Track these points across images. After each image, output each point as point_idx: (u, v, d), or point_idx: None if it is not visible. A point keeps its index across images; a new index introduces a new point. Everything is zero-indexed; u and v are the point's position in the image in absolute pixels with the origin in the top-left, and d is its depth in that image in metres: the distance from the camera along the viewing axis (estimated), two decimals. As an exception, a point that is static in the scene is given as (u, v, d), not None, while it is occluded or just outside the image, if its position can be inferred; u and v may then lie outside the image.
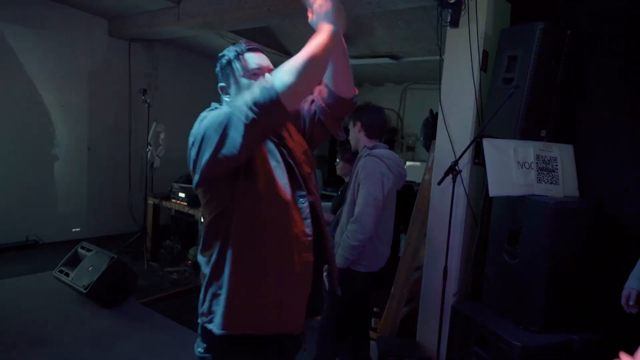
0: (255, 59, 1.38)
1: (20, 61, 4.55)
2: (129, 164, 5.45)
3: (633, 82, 2.32)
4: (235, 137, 1.08)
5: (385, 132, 2.45)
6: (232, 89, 1.39)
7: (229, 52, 1.42)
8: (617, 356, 2.09)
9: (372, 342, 2.83)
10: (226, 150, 1.09)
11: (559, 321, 2.15)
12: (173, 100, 5.90)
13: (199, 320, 1.26)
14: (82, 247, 3.17)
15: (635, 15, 2.33)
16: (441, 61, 2.80)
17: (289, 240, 1.23)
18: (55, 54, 4.79)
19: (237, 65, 1.39)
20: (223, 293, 1.19)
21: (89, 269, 2.88)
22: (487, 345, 2.18)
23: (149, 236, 4.74)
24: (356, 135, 2.39)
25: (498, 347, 2.10)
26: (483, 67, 2.64)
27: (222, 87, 1.41)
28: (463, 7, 2.60)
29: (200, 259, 1.29)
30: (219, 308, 1.20)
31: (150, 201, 4.78)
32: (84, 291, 2.80)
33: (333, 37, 1.16)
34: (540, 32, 2.23)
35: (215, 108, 1.29)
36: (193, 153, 1.18)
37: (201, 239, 1.28)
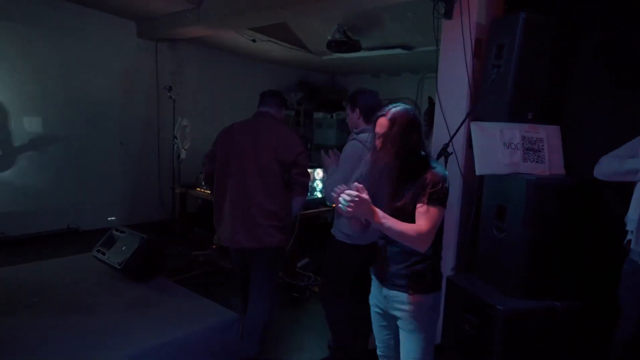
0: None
1: (56, 63, 4.97)
2: (158, 156, 5.84)
3: (616, 66, 2.45)
4: None
5: None
6: None
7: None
8: (597, 321, 2.26)
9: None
10: None
11: (542, 289, 2.32)
12: (197, 96, 6.25)
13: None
14: (116, 230, 3.51)
15: (619, 3, 2.46)
16: (438, 51, 2.97)
17: None
18: (89, 55, 5.20)
19: None
20: None
21: (123, 248, 3.22)
22: (476, 310, 2.38)
23: (177, 222, 5.11)
24: (355, 121, 2.60)
25: (485, 312, 2.30)
26: (476, 55, 2.80)
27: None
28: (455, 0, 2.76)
29: None
30: None
31: (178, 190, 5.15)
32: (119, 267, 3.12)
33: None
34: (523, 21, 2.38)
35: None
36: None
37: None
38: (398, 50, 5.51)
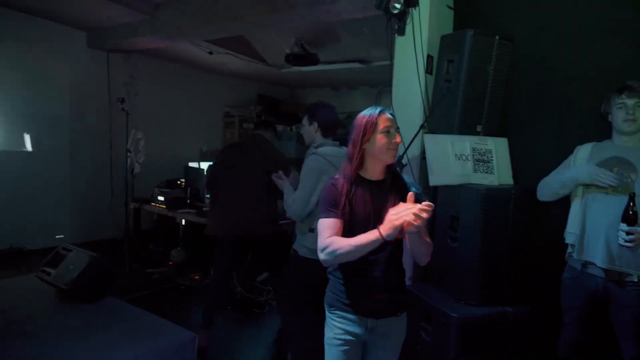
0: None
1: (1, 74, 4.72)
2: (111, 170, 5.61)
3: (555, 81, 2.60)
4: None
5: (337, 129, 2.67)
6: None
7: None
8: (545, 323, 2.34)
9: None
10: None
11: (495, 295, 2.40)
12: (151, 108, 6.10)
13: None
14: (63, 248, 3.33)
15: (555, 21, 2.63)
16: (392, 65, 3.05)
17: None
18: (36, 65, 4.97)
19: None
20: None
21: (70, 268, 3.05)
22: (430, 319, 2.42)
23: (130, 239, 4.92)
24: (312, 135, 2.62)
25: (439, 321, 2.34)
26: (428, 70, 2.89)
27: None
28: (407, 17, 2.85)
29: None
30: None
31: (131, 206, 4.96)
32: (65, 287, 2.96)
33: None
34: (471, 38, 2.49)
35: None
36: None
37: None
38: (355, 65, 5.62)
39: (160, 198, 4.67)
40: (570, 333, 2.22)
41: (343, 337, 1.72)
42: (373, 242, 1.51)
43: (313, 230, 2.47)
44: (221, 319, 3.75)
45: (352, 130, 1.70)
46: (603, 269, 2.05)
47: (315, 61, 5.29)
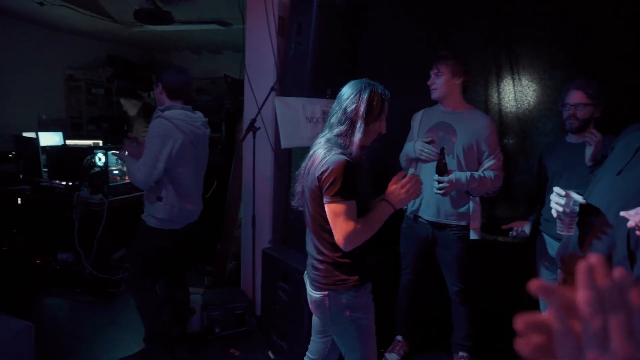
0: None
1: None
2: None
3: (394, 50, 2.79)
4: None
5: (189, 92, 2.52)
6: None
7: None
8: (392, 270, 2.55)
9: (198, 296, 2.99)
10: None
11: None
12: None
13: None
14: None
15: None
16: (244, 26, 2.95)
17: None
18: None
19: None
20: None
21: None
22: (288, 279, 2.50)
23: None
24: (159, 97, 2.45)
25: (296, 280, 2.43)
26: (280, 32, 2.87)
27: None
28: (257, -25, 2.77)
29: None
30: None
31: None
32: None
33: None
34: (317, 2, 2.51)
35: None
36: None
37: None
38: (214, 26, 5.34)
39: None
40: (408, 275, 2.49)
41: (373, 309, 1.73)
42: (386, 216, 1.59)
43: (161, 199, 2.34)
44: (70, 304, 3.41)
45: (358, 103, 1.60)
46: (430, 221, 2.32)
47: (169, 20, 4.87)
